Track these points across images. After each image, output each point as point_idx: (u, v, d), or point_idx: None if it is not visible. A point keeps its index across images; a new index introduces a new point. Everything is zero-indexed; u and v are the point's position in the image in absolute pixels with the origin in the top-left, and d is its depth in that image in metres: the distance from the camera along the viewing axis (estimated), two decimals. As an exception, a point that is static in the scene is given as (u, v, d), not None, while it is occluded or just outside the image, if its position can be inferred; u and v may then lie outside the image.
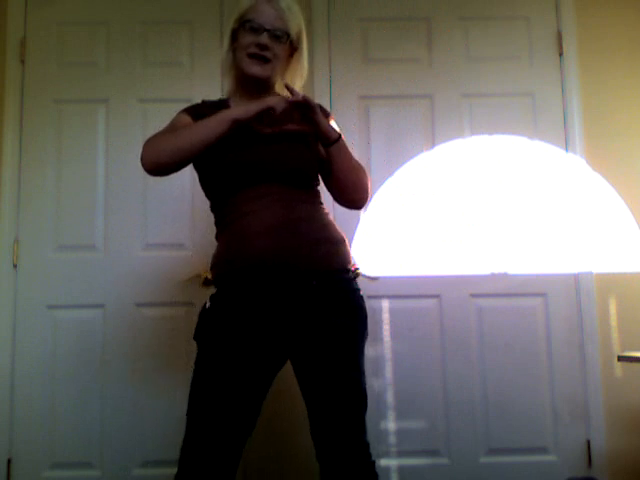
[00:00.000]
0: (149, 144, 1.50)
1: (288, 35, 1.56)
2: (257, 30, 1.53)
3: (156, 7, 2.49)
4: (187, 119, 1.57)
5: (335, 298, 1.48)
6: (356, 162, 1.59)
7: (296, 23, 1.58)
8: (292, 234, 1.46)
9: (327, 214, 1.57)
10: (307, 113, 1.48)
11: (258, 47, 1.53)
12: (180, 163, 1.48)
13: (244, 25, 1.55)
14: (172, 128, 1.55)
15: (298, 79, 1.64)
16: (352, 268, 1.54)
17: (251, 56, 1.54)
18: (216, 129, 1.45)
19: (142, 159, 1.49)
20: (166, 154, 1.46)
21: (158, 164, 1.48)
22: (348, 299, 1.51)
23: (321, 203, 1.59)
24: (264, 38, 1.52)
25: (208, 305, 1.50)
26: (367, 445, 1.47)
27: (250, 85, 1.59)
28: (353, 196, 1.61)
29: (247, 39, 1.54)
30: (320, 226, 1.52)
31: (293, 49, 1.61)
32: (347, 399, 1.44)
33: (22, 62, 2.43)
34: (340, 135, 1.54)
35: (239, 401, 1.43)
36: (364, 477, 1.44)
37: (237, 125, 1.45)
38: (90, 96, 2.43)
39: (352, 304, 1.51)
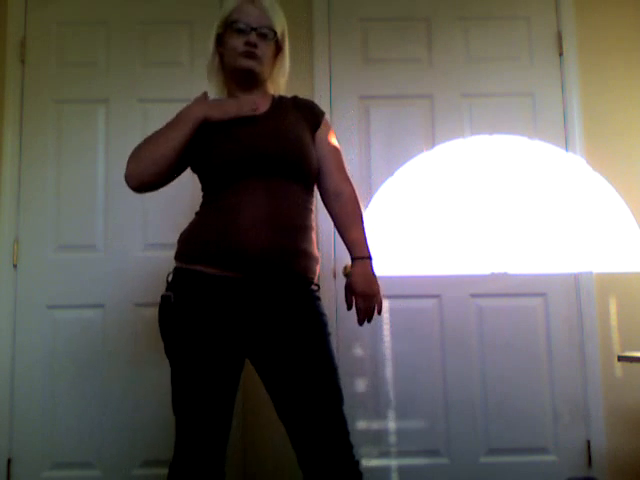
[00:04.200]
0: (130, 159, 1.51)
1: (274, 33, 1.56)
2: (244, 30, 1.53)
3: (156, 7, 2.49)
4: None
5: (301, 303, 1.48)
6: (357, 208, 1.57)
7: (280, 22, 1.59)
8: (282, 238, 1.44)
9: (313, 228, 1.55)
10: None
11: (248, 45, 1.52)
12: (160, 175, 1.49)
13: (230, 27, 1.55)
14: None
15: (281, 78, 1.65)
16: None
17: (243, 55, 1.53)
18: (183, 130, 1.46)
19: (126, 178, 1.50)
20: (143, 169, 1.48)
21: (141, 182, 1.50)
22: (312, 305, 1.50)
23: (311, 210, 1.56)
24: (252, 37, 1.52)
25: (172, 299, 1.46)
26: (349, 445, 1.41)
27: (242, 81, 1.58)
28: None
29: (235, 40, 1.54)
30: (307, 238, 1.51)
31: (278, 49, 1.61)
32: (317, 397, 1.41)
33: (22, 62, 2.43)
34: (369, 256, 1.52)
35: (210, 394, 1.44)
36: (346, 477, 1.39)
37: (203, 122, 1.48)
38: (90, 96, 2.44)
39: (316, 310, 1.50)
